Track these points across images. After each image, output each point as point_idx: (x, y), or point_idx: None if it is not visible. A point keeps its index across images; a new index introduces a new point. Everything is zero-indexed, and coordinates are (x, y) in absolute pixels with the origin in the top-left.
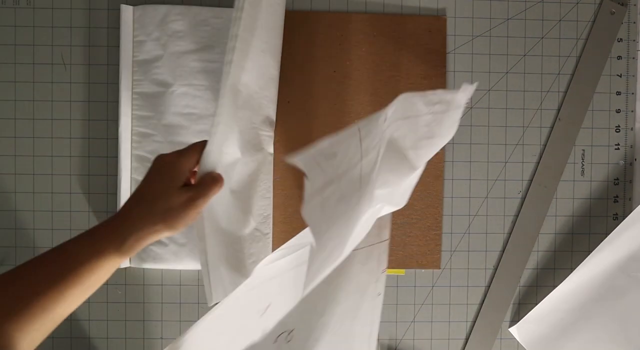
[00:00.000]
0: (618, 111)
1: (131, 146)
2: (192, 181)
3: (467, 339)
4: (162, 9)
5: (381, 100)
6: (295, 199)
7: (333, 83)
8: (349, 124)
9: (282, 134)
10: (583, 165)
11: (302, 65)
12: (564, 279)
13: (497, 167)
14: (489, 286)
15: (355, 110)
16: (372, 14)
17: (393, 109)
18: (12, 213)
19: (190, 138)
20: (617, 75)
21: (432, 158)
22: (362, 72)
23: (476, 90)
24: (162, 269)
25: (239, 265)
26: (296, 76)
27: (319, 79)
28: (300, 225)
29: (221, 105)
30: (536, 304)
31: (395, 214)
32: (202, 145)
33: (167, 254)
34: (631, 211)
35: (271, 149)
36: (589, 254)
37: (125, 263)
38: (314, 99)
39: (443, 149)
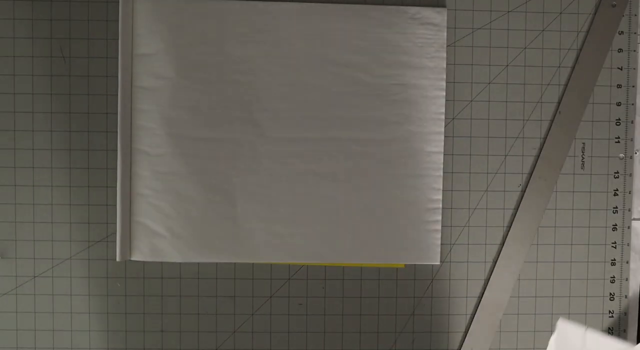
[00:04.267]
0: (619, 104)
1: (131, 139)
2: None
3: (466, 332)
4: (163, 1)
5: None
6: None
7: None
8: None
9: None
10: (583, 158)
11: None
12: (563, 272)
13: (497, 160)
14: (488, 279)
15: None
16: (372, 6)
17: None
18: (11, 206)
19: (190, 131)
20: (618, 68)
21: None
22: None
23: (476, 82)
24: (161, 262)
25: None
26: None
27: None
28: None
29: None
30: (535, 297)
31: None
32: None
33: (167, 247)
34: (631, 204)
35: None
36: (588, 247)
37: (125, 256)
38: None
39: (444, 141)
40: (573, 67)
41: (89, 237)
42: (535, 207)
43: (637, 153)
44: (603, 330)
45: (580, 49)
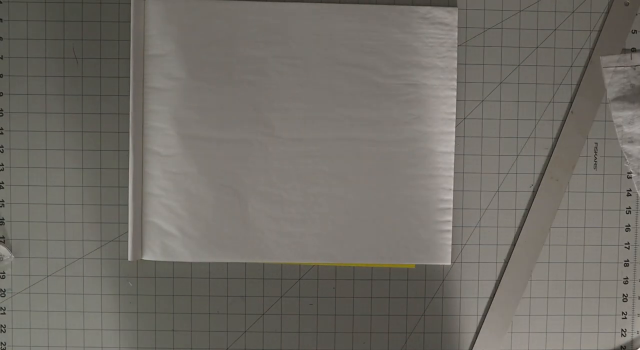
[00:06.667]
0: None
1: (142, 140)
2: None
3: (477, 333)
4: (174, 2)
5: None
6: None
7: None
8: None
9: None
10: (596, 158)
11: None
12: (575, 273)
13: (509, 160)
14: (499, 280)
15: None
16: (383, 6)
17: None
18: (25, 206)
19: (201, 132)
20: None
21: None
22: None
23: (488, 82)
24: (172, 262)
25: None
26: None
27: None
28: None
29: None
30: (547, 298)
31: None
32: None
33: (178, 247)
34: None
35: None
36: (601, 248)
37: (136, 256)
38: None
39: (454, 141)
40: (585, 67)
41: (101, 237)
42: (547, 207)
43: None
44: (616, 332)
45: (593, 48)
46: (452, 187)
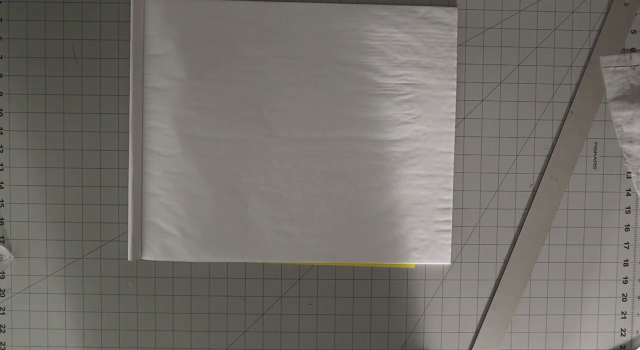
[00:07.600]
0: None
1: (142, 140)
2: None
3: (477, 332)
4: (173, 2)
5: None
6: None
7: None
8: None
9: None
10: (595, 158)
11: None
12: (574, 273)
13: (508, 160)
14: (499, 279)
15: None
16: (382, 5)
17: None
18: (24, 206)
19: (201, 132)
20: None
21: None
22: None
23: (488, 82)
24: (172, 262)
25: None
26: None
27: None
28: None
29: None
30: (547, 298)
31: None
32: None
33: (178, 247)
34: None
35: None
36: (600, 248)
37: (136, 256)
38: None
39: (454, 141)
40: (585, 67)
41: (100, 237)
42: (547, 207)
43: None
44: (616, 332)
45: (592, 48)
46: (451, 187)
